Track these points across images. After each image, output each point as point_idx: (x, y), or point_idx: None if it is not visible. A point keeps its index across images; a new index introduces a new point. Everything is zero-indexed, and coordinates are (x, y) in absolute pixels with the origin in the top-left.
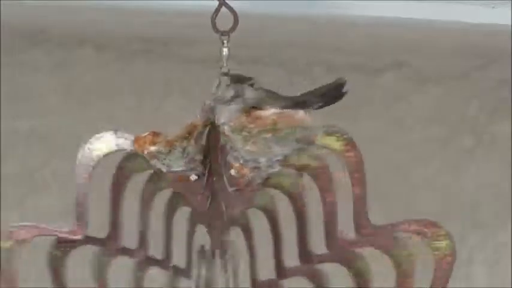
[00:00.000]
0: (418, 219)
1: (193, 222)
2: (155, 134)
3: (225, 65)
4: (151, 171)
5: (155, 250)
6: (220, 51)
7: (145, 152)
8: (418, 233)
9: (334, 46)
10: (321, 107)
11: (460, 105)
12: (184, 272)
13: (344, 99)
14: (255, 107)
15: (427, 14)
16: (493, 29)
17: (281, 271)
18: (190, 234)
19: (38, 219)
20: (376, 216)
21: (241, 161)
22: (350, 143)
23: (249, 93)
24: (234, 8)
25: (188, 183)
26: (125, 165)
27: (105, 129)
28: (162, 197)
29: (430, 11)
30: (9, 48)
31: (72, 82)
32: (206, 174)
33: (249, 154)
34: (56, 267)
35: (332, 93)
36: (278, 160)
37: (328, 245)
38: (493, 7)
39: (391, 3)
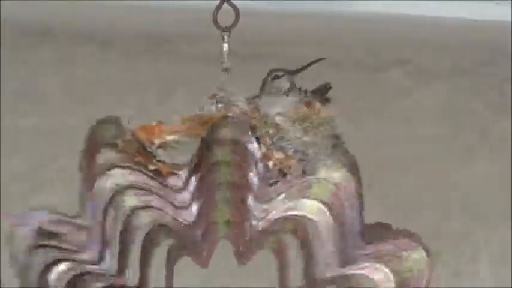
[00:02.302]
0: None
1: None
2: (162, 125)
3: (225, 60)
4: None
5: None
6: (221, 47)
7: (156, 141)
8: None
9: (338, 43)
10: None
11: (464, 102)
12: None
13: (349, 95)
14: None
15: (432, 11)
16: (496, 25)
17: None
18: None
19: None
20: (380, 213)
21: (290, 152)
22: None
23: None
24: (236, 5)
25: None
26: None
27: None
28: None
29: (434, 8)
30: (14, 46)
31: (77, 80)
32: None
33: (303, 145)
34: None
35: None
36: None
37: None
38: (497, 3)
39: (395, 0)
